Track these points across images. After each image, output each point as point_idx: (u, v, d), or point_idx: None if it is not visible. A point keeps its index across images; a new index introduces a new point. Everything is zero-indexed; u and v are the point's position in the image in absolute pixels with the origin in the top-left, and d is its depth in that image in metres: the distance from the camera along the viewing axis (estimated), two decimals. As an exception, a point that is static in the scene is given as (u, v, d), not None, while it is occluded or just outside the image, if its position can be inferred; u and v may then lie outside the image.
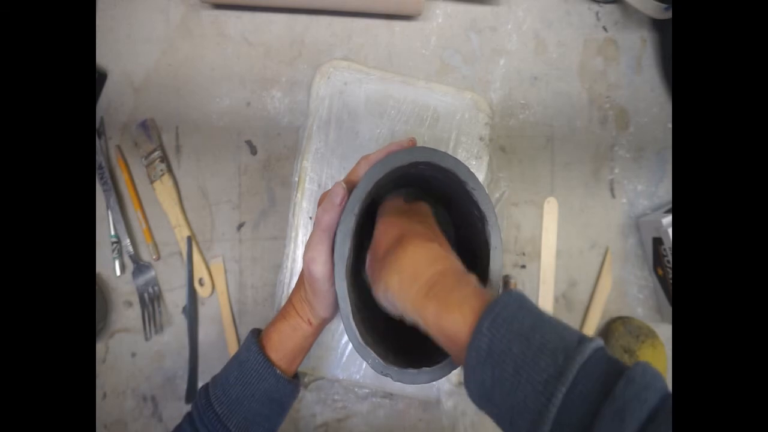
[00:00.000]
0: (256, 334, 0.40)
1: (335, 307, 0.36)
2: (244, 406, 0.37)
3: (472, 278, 0.30)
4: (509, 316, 0.26)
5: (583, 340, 0.24)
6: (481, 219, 0.35)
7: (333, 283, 0.34)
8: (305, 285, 0.37)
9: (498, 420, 0.26)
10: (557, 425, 0.23)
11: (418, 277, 0.30)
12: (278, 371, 0.38)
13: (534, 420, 0.23)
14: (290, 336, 0.39)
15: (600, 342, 0.25)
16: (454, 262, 0.31)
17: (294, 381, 0.39)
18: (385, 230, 0.35)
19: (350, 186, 0.35)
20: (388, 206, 0.37)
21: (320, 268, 0.34)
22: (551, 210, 0.54)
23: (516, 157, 0.54)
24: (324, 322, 0.39)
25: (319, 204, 0.35)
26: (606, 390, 0.23)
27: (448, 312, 0.28)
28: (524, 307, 0.26)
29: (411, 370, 0.32)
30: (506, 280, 0.54)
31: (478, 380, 0.26)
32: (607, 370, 0.23)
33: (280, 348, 0.39)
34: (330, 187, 0.35)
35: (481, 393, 0.26)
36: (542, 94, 0.54)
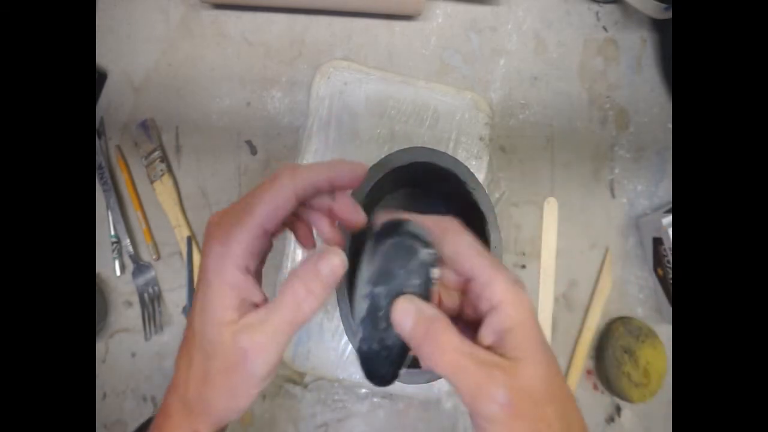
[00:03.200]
0: None
1: (249, 398, 0.26)
2: None
3: None
4: None
5: None
6: (481, 219, 0.35)
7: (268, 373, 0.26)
8: (203, 373, 0.27)
9: None
10: None
11: None
12: None
13: None
14: None
15: None
16: None
17: None
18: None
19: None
20: None
21: (270, 359, 0.25)
22: (551, 210, 0.54)
23: (516, 157, 0.54)
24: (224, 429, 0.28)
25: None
26: None
27: None
28: None
29: (411, 370, 0.32)
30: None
31: None
32: None
33: None
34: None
35: None
36: (542, 94, 0.54)
